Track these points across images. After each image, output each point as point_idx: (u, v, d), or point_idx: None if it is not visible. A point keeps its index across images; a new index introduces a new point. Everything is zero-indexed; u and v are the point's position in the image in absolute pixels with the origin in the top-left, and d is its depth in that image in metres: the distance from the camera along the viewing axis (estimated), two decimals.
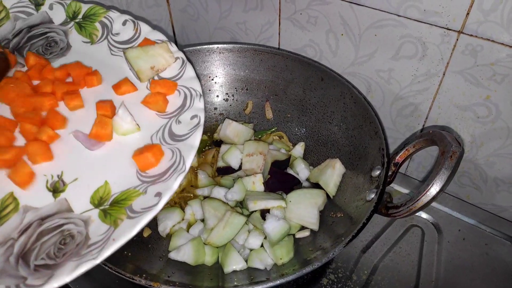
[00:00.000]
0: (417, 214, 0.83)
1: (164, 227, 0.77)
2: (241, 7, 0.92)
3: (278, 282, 0.57)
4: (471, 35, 0.67)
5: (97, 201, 0.56)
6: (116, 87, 0.68)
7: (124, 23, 0.75)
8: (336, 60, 0.86)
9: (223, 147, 0.87)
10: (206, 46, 0.89)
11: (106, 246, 0.49)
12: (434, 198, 0.58)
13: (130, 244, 0.70)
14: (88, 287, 0.73)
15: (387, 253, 0.78)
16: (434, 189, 0.57)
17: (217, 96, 0.95)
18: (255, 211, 0.75)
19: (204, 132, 0.93)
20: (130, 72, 0.71)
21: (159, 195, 0.54)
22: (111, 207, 0.55)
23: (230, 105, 0.96)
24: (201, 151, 0.90)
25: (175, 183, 0.55)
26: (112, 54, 0.73)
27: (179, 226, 0.78)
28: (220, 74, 0.93)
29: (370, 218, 0.62)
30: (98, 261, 0.48)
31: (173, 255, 0.71)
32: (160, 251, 0.74)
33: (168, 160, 0.59)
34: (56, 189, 0.56)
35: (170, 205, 0.81)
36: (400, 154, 0.69)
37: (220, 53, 0.90)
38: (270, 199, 0.75)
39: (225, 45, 0.90)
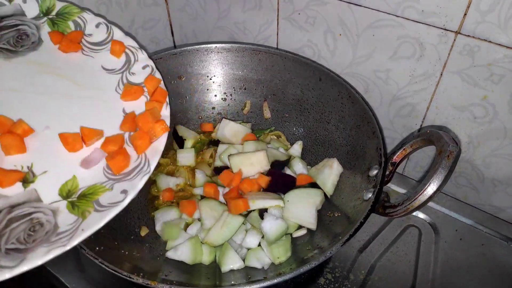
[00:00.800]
0: (414, 214, 0.83)
1: (161, 226, 0.77)
2: (240, 7, 0.92)
3: (275, 281, 0.57)
4: (469, 36, 0.67)
5: (65, 193, 0.58)
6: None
7: (97, 26, 0.75)
8: (334, 60, 0.86)
9: (221, 147, 0.87)
10: (204, 46, 0.90)
11: (75, 235, 0.52)
12: (431, 198, 0.58)
13: (127, 243, 0.71)
14: (84, 286, 0.73)
15: (384, 253, 0.79)
16: (431, 189, 0.57)
17: (215, 95, 0.95)
18: (253, 210, 0.75)
19: (200, 126, 0.93)
20: (100, 72, 0.72)
21: (125, 192, 0.57)
22: (79, 200, 0.57)
23: (228, 105, 0.96)
24: (199, 150, 0.90)
25: (140, 183, 0.58)
26: (83, 53, 0.74)
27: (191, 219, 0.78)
28: (218, 74, 0.93)
29: (367, 217, 0.62)
30: (67, 247, 0.51)
31: (170, 254, 0.71)
32: (157, 250, 0.74)
33: (133, 161, 0.62)
34: (26, 179, 0.58)
35: (167, 204, 0.81)
36: (398, 153, 0.69)
37: (218, 52, 0.90)
38: (268, 198, 0.75)
39: (223, 45, 0.90)
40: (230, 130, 0.88)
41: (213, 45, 0.90)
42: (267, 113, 0.95)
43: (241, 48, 0.90)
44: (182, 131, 0.90)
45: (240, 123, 0.91)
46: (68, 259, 0.76)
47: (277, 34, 0.92)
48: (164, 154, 0.90)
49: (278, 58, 0.88)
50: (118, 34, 0.75)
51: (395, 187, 0.90)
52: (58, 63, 0.71)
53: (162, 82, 0.73)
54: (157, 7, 1.01)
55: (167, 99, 0.71)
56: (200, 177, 0.84)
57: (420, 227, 0.83)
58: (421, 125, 0.84)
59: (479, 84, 0.71)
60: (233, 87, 0.95)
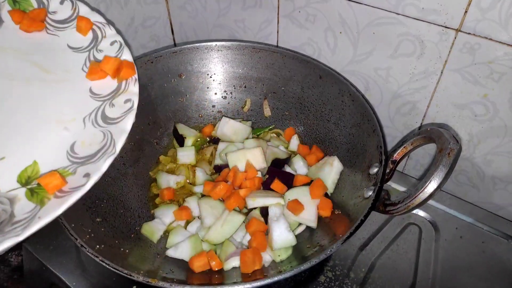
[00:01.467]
0: (414, 212, 0.83)
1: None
2: (240, 5, 0.92)
3: (276, 278, 0.57)
4: (469, 33, 0.67)
5: (25, 180, 0.56)
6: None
7: (61, 2, 0.72)
8: (335, 58, 0.86)
9: (221, 145, 0.87)
10: (204, 44, 0.89)
11: (30, 224, 0.50)
12: (431, 195, 0.58)
13: (128, 241, 0.71)
14: (85, 284, 0.73)
15: (384, 251, 0.79)
16: (431, 186, 0.57)
17: (215, 93, 0.95)
18: (254, 208, 0.75)
19: (201, 131, 0.93)
20: (66, 52, 0.69)
21: (87, 175, 0.55)
22: (39, 186, 0.55)
23: (228, 103, 0.96)
24: (199, 148, 0.90)
25: (104, 165, 0.56)
26: (47, 33, 0.71)
27: (176, 223, 0.78)
28: (218, 72, 0.93)
29: (368, 215, 0.62)
30: (21, 238, 0.48)
31: (170, 253, 0.71)
32: (157, 248, 0.74)
33: (99, 142, 0.60)
34: None
35: (168, 202, 0.81)
36: (398, 151, 0.69)
37: (218, 50, 0.90)
38: (269, 196, 0.75)
39: (223, 43, 0.90)
40: (230, 128, 0.88)
41: (213, 43, 0.89)
42: (267, 111, 0.95)
43: (241, 46, 0.90)
44: (182, 129, 0.90)
45: (240, 121, 0.91)
46: (69, 258, 0.76)
47: (278, 32, 0.91)
48: (165, 152, 0.90)
49: (278, 56, 0.88)
50: (84, 10, 0.72)
51: (395, 185, 0.90)
52: (20, 44, 0.68)
53: (131, 58, 0.70)
54: (157, 5, 1.01)
55: (135, 76, 0.68)
56: (200, 175, 0.84)
57: (420, 225, 0.83)
58: (421, 123, 0.84)
59: (479, 82, 0.71)
60: (233, 85, 0.95)
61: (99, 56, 0.69)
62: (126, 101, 0.65)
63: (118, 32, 0.73)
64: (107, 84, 0.67)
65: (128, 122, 0.62)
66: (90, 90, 0.66)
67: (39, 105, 0.62)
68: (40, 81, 0.65)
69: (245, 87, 0.94)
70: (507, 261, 0.77)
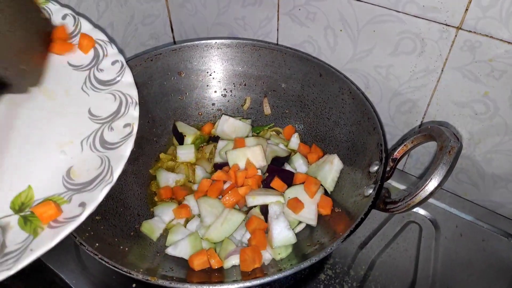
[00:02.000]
0: (414, 210, 0.83)
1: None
2: (240, 3, 0.92)
3: (276, 277, 0.57)
4: (470, 31, 0.67)
5: (18, 207, 0.53)
6: None
7: (64, 17, 0.70)
8: (335, 56, 0.86)
9: (221, 143, 0.86)
10: (204, 41, 0.89)
11: (22, 256, 0.47)
12: (432, 193, 0.58)
13: (127, 239, 0.70)
14: (85, 282, 0.73)
15: (384, 249, 0.79)
16: (432, 184, 0.57)
17: (215, 91, 0.95)
18: (254, 206, 0.75)
19: (200, 129, 0.93)
20: (66, 69, 0.67)
21: (83, 205, 0.52)
22: (33, 214, 0.52)
23: (228, 101, 0.96)
24: (199, 147, 0.90)
25: (100, 194, 0.53)
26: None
27: (176, 221, 0.78)
28: (218, 70, 0.93)
29: (368, 213, 0.62)
30: (12, 272, 0.45)
31: (170, 251, 0.71)
32: (157, 246, 0.74)
33: (96, 168, 0.58)
34: None
35: (167, 200, 0.81)
36: (398, 149, 0.69)
37: (218, 48, 0.90)
38: (269, 194, 0.75)
39: (223, 40, 0.89)
40: (229, 126, 0.88)
41: (213, 41, 0.89)
42: (267, 109, 0.94)
43: (241, 44, 0.89)
44: (182, 127, 0.90)
45: (240, 119, 0.91)
46: (68, 256, 0.76)
47: (277, 30, 0.91)
48: (164, 150, 0.90)
49: (278, 54, 0.88)
50: (86, 27, 0.71)
51: (395, 184, 0.90)
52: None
53: (133, 80, 0.68)
54: (156, 3, 1.00)
55: (136, 99, 0.66)
56: (200, 173, 0.83)
57: (421, 223, 0.83)
58: (421, 121, 0.84)
59: (480, 80, 0.71)
60: (233, 83, 0.94)
61: (100, 76, 0.68)
62: (126, 125, 0.63)
63: (120, 51, 0.71)
64: (107, 105, 0.65)
65: (127, 149, 0.60)
66: (89, 112, 0.64)
67: (36, 126, 0.60)
68: (38, 100, 0.63)
69: (245, 85, 0.94)
70: (507, 259, 0.77)
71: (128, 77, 0.69)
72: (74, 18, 0.71)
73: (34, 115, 0.61)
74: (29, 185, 0.55)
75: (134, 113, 0.65)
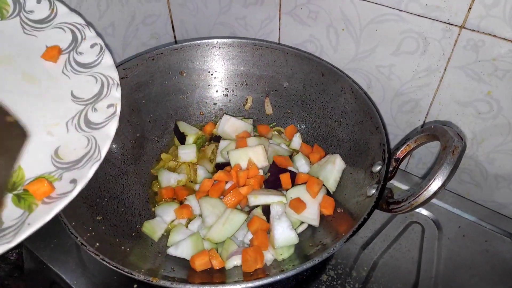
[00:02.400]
0: (417, 210, 0.83)
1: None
2: (241, 2, 0.91)
3: (277, 277, 0.57)
4: (473, 30, 0.67)
5: (10, 186, 0.56)
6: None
7: (38, 1, 0.70)
8: (337, 55, 0.85)
9: (222, 143, 0.86)
10: (205, 41, 0.89)
11: (21, 230, 0.50)
12: (435, 194, 0.57)
13: (129, 239, 0.70)
14: (86, 282, 0.72)
15: (387, 250, 0.78)
16: (436, 184, 0.57)
17: (217, 91, 0.95)
18: (256, 206, 0.75)
19: (202, 129, 0.93)
20: (42, 51, 0.68)
21: (74, 182, 0.55)
22: (26, 192, 0.55)
23: (230, 101, 0.95)
24: (200, 146, 0.90)
25: (90, 171, 0.56)
26: (25, 32, 0.70)
27: (178, 222, 0.77)
28: (220, 69, 0.92)
29: (371, 213, 0.62)
30: (12, 244, 0.48)
31: (171, 251, 0.71)
32: (158, 247, 0.73)
33: (83, 147, 0.60)
34: None
35: (169, 200, 0.81)
36: (401, 149, 0.69)
37: (219, 47, 0.90)
38: (271, 194, 0.74)
39: (225, 40, 0.89)
40: (231, 126, 0.88)
41: (215, 40, 0.89)
42: (268, 109, 0.94)
43: (243, 43, 0.89)
44: (184, 127, 0.90)
45: (241, 119, 0.90)
46: (69, 256, 0.76)
47: (279, 29, 0.91)
48: (166, 150, 0.90)
49: (280, 53, 0.88)
50: (62, 10, 0.71)
51: (397, 184, 0.89)
52: None
53: (113, 62, 0.69)
54: (158, 3, 1.00)
55: (117, 81, 0.67)
56: (201, 173, 0.83)
57: (423, 223, 0.82)
58: (424, 121, 0.84)
59: (483, 80, 0.71)
60: (235, 83, 0.94)
61: (80, 59, 0.69)
62: (109, 106, 0.65)
63: (98, 34, 0.72)
64: (89, 87, 0.67)
65: (112, 128, 0.62)
66: (72, 94, 0.66)
67: (21, 110, 0.62)
68: (21, 86, 0.64)
69: (246, 84, 0.94)
70: (510, 259, 0.76)
71: (108, 59, 0.70)
72: (50, 2, 0.71)
73: (17, 99, 0.63)
74: (19, 165, 0.57)
75: (116, 94, 0.66)
